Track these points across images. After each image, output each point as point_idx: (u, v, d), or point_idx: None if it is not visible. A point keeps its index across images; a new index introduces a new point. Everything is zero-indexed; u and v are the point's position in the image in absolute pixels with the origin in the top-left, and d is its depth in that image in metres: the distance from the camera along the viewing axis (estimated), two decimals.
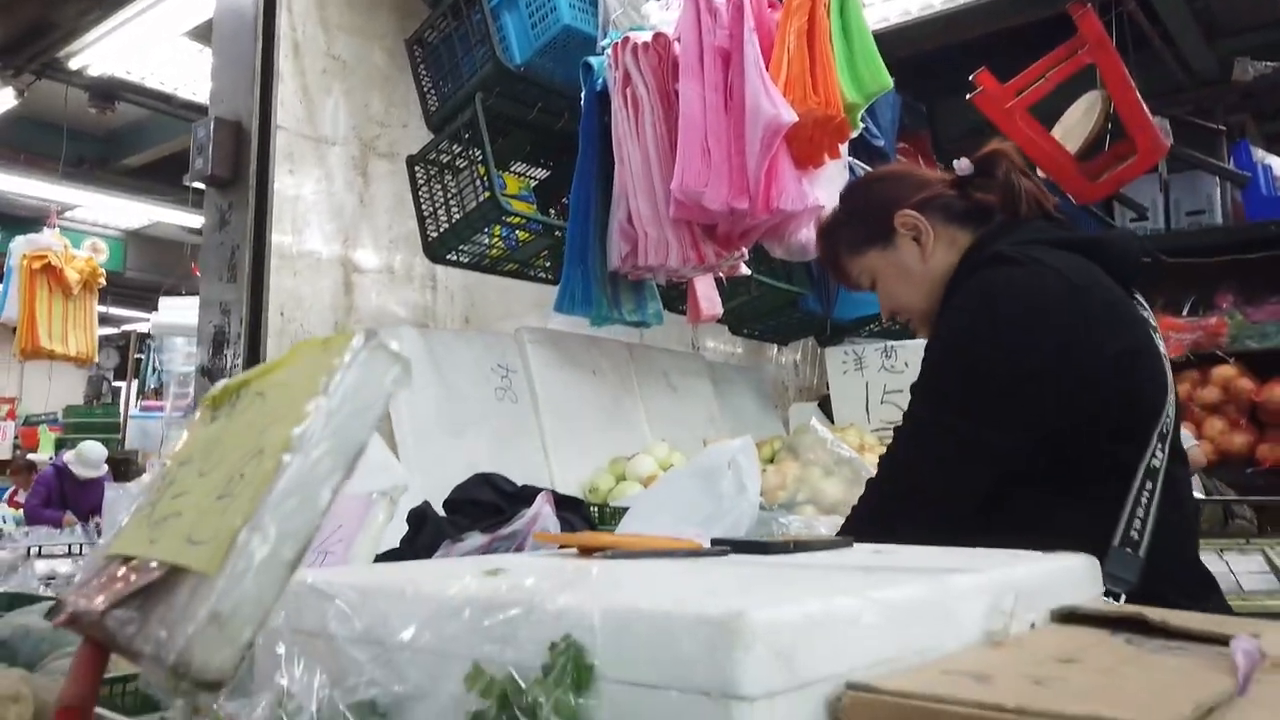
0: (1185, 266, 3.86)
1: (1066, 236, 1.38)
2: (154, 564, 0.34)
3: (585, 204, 2.14)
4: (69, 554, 3.72)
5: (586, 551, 0.95)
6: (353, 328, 2.43)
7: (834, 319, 3.29)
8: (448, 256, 2.38)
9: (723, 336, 3.67)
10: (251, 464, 0.35)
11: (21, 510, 6.43)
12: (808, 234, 1.97)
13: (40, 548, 3.71)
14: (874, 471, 2.55)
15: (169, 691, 0.32)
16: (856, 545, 1.06)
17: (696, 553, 0.92)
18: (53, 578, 2.62)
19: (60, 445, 8.73)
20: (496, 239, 2.39)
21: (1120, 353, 1.30)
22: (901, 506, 1.36)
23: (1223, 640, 0.70)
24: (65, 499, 6.44)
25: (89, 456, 6.35)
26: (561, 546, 1.02)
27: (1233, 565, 1.79)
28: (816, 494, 2.38)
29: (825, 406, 3.62)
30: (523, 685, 0.55)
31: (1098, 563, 0.94)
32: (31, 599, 1.65)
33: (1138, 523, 1.27)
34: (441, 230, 2.34)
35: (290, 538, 0.34)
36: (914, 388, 1.38)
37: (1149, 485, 1.30)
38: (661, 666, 0.52)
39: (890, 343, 3.35)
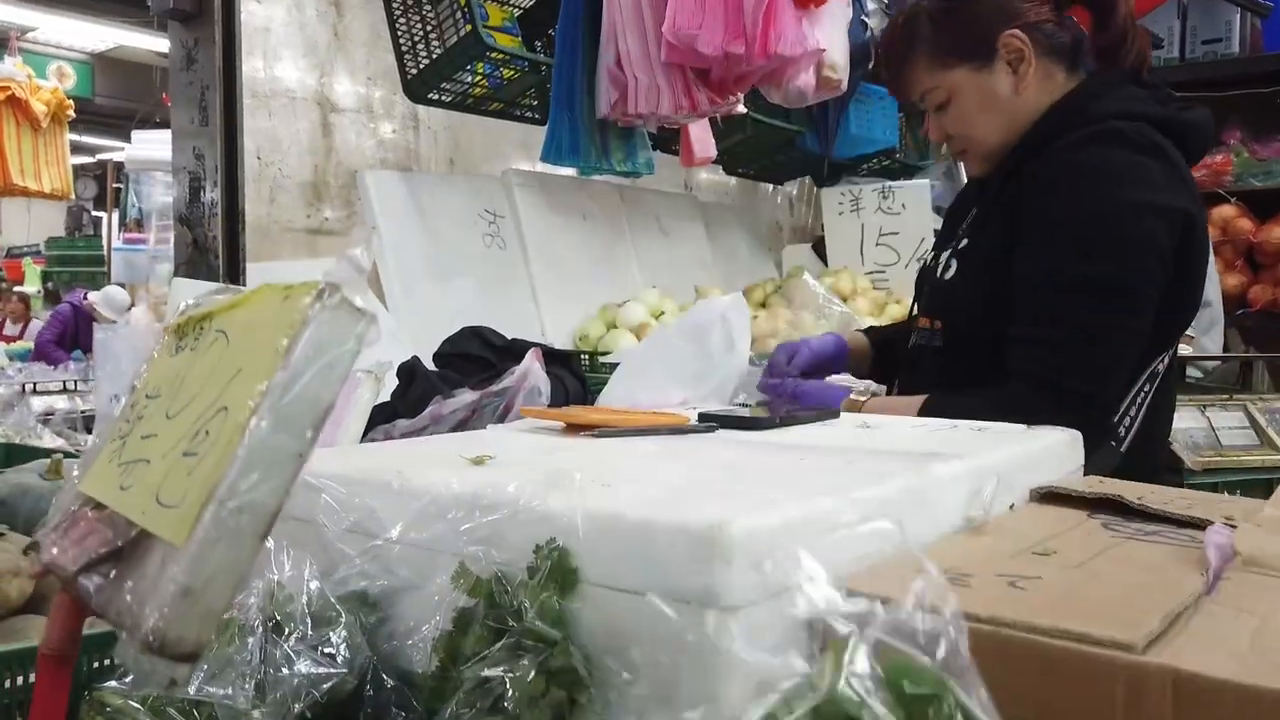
0: (1195, 101, 3.73)
1: (1165, 116, 1.29)
2: (124, 522, 0.34)
3: (572, 46, 2.02)
4: (64, 390, 3.77)
5: (573, 429, 0.95)
6: (332, 171, 2.35)
7: (833, 158, 3.20)
8: (429, 95, 2.27)
9: (716, 174, 3.58)
10: (216, 421, 0.33)
11: (14, 344, 6.47)
12: (807, 79, 1.87)
13: (35, 384, 3.75)
14: (862, 321, 2.57)
15: (142, 663, 0.32)
16: (844, 417, 1.07)
17: (683, 429, 0.93)
18: (51, 414, 2.64)
19: (46, 277, 8.66)
20: (480, 76, 2.27)
21: (1199, 264, 1.30)
22: (1073, 405, 1.18)
23: (1198, 525, 0.71)
24: (78, 338, 6.44)
25: (116, 300, 6.30)
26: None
27: (1214, 421, 1.82)
28: None
29: (819, 248, 3.58)
30: (508, 586, 0.56)
31: (1080, 436, 0.95)
32: (29, 452, 1.67)
33: (1128, 420, 1.29)
34: (421, 67, 2.21)
35: (257, 509, 0.33)
36: (1057, 273, 1.23)
37: (1147, 387, 1.32)
38: (644, 573, 0.53)
39: (888, 183, 3.28)
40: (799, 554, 0.54)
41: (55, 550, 0.34)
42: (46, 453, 1.61)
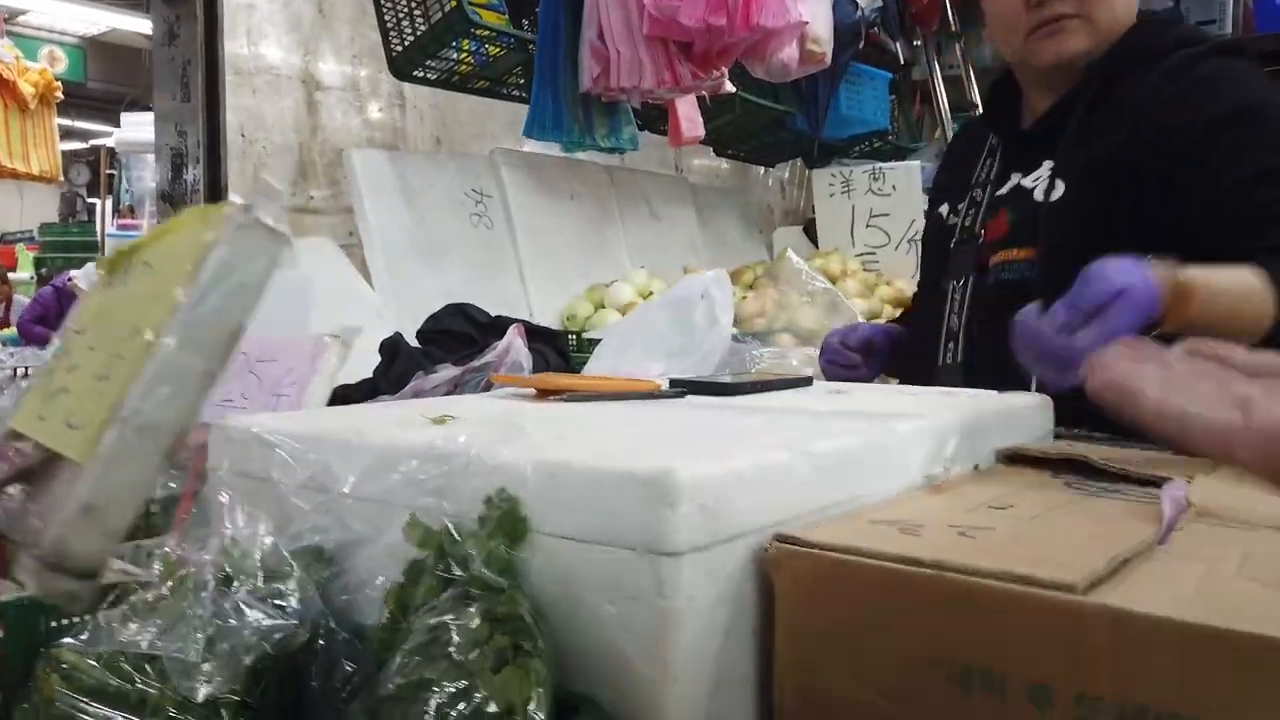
0: None
1: (1235, 43, 1.30)
2: (36, 447, 0.33)
3: (555, 20, 2.01)
4: None
5: (544, 394, 0.95)
6: (317, 150, 2.33)
7: (823, 139, 3.19)
8: (414, 73, 2.25)
9: (707, 157, 3.57)
10: (129, 344, 0.33)
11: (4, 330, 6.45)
12: (790, 52, 1.86)
13: (27, 369, 3.76)
14: (852, 303, 2.56)
15: (41, 580, 0.32)
16: (817, 384, 1.07)
17: (653, 395, 0.92)
18: None
19: (40, 264, 8.62)
20: (465, 54, 2.26)
21: None
22: None
23: (1159, 483, 0.71)
24: (62, 318, 6.45)
25: (93, 276, 6.31)
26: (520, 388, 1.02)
27: None
28: (793, 323, 2.39)
29: (810, 230, 3.58)
30: (457, 537, 0.55)
31: (1050, 401, 0.95)
32: None
33: None
34: (406, 44, 2.20)
35: (162, 428, 0.33)
36: (1272, 173, 1.16)
37: None
38: (593, 521, 0.53)
39: (879, 165, 3.27)
40: (748, 500, 0.54)
41: None
42: None
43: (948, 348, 1.36)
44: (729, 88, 2.38)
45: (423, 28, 2.15)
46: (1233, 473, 0.67)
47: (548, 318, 2.53)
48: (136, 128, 4.41)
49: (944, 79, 3.83)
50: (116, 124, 8.04)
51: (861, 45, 2.77)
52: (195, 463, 0.75)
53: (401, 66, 2.23)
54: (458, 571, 0.54)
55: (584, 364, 1.75)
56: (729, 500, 0.53)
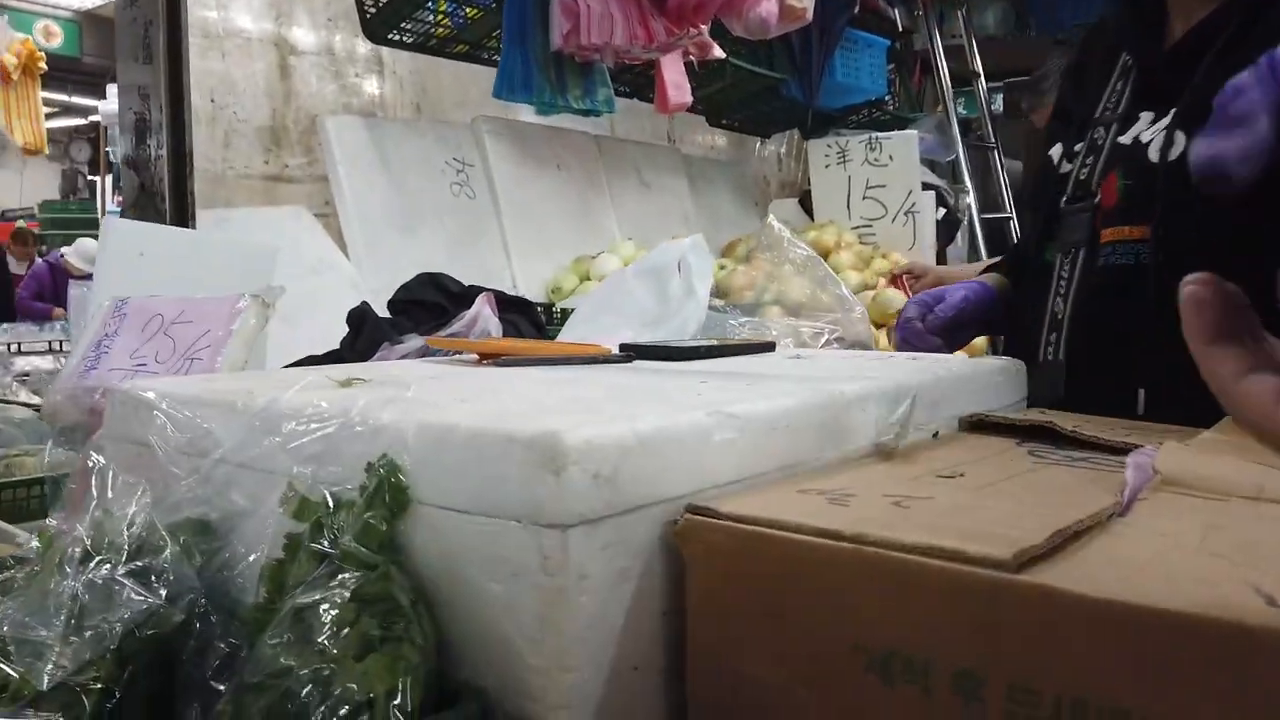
0: None
1: None
2: None
3: None
4: (50, 350, 3.76)
5: (484, 358, 0.89)
6: (291, 117, 2.27)
7: (818, 107, 3.10)
8: (389, 36, 2.18)
9: (701, 128, 3.49)
10: None
11: None
12: (769, 7, 1.78)
13: (20, 344, 3.75)
14: (848, 276, 2.49)
15: None
16: (780, 349, 1.01)
17: (594, 359, 0.86)
18: (28, 374, 2.62)
19: (40, 240, 8.60)
20: (442, 15, 2.19)
21: None
22: None
23: (1130, 451, 0.65)
24: (58, 294, 6.45)
25: (87, 250, 6.33)
26: (458, 353, 0.97)
27: None
28: (783, 294, 2.32)
29: (806, 203, 3.50)
30: (331, 507, 0.50)
31: (1024, 367, 0.89)
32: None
33: None
34: (380, 4, 2.13)
35: None
36: None
37: None
38: (477, 490, 0.47)
39: (875, 134, 3.18)
40: (655, 466, 0.48)
41: None
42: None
43: (1049, 340, 1.07)
44: (718, 53, 2.30)
45: None
46: (1217, 438, 0.61)
47: (532, 290, 2.47)
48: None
49: (945, 48, 3.73)
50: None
51: (856, 10, 2.68)
52: (91, 431, 0.70)
53: (376, 29, 2.16)
54: (330, 548, 0.49)
55: (555, 333, 1.69)
56: (631, 467, 0.47)
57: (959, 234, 3.41)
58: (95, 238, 7.97)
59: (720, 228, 3.16)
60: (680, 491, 0.50)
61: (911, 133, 3.16)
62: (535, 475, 0.44)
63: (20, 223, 9.63)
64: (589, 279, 2.50)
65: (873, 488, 0.53)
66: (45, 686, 0.50)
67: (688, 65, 2.36)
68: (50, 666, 0.52)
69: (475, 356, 0.92)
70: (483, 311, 1.58)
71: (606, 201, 2.85)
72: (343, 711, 0.43)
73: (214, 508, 0.57)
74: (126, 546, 0.56)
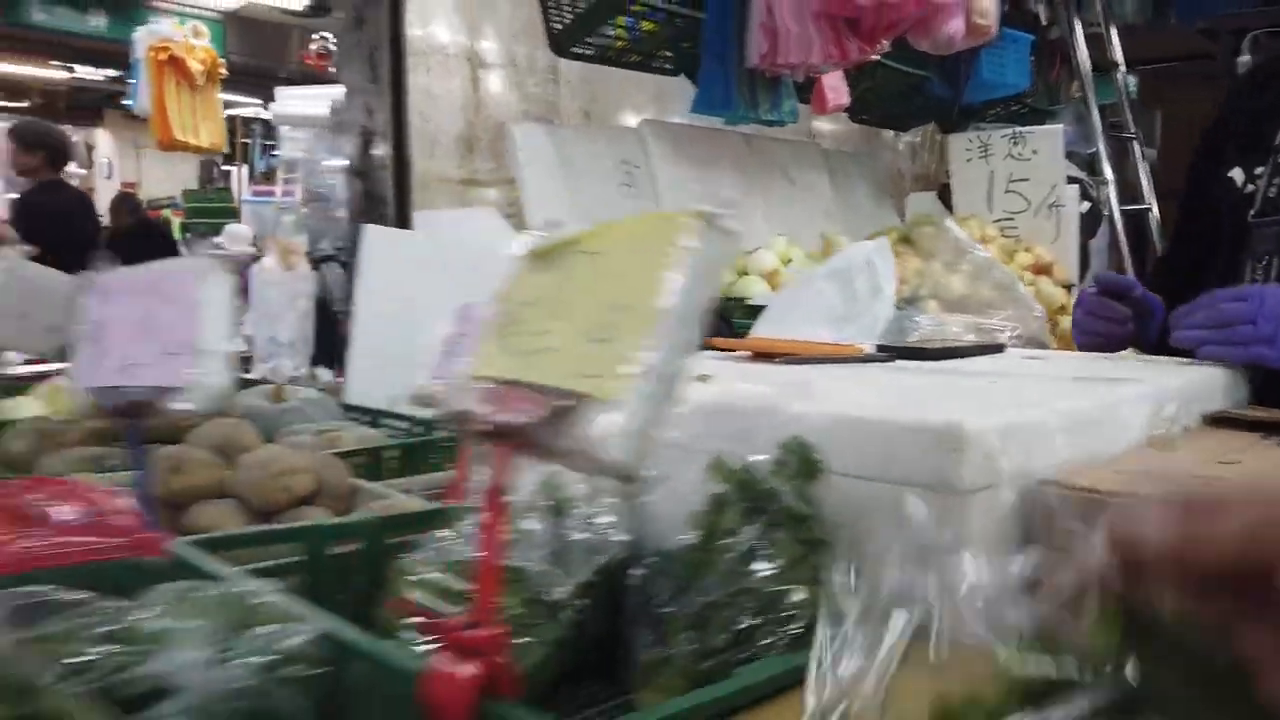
0: None
1: None
2: (543, 390, 0.45)
3: None
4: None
5: (760, 356, 1.06)
6: (481, 125, 2.48)
7: (963, 103, 3.16)
8: (573, 49, 2.37)
9: (839, 121, 3.58)
10: (620, 316, 0.44)
11: None
12: (957, 25, 1.88)
13: None
14: (1002, 268, 2.56)
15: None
16: (1009, 351, 1.14)
17: (865, 358, 1.02)
18: None
19: (185, 229, 9.22)
20: (621, 29, 2.36)
21: None
22: None
23: None
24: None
25: (238, 234, 6.99)
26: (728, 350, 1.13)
27: None
28: (939, 289, 2.42)
29: (943, 196, 3.56)
30: (756, 475, 0.67)
31: (1242, 370, 1.00)
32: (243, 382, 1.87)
33: None
34: (566, 21, 2.31)
35: (670, 379, 0.44)
36: None
37: None
38: (883, 464, 0.63)
39: (1019, 128, 3.23)
40: (1017, 449, 0.63)
41: (500, 414, 0.46)
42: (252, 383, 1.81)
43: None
44: (874, 55, 2.41)
45: (582, 6, 2.26)
46: None
47: None
48: (292, 101, 4.71)
49: (1085, 36, 3.72)
50: (254, 96, 8.50)
51: (1007, 8, 2.74)
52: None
53: (562, 42, 2.35)
54: (762, 503, 0.65)
55: (741, 328, 1.84)
56: (1004, 448, 0.62)
57: (1100, 227, 3.42)
58: (237, 224, 8.53)
59: (860, 221, 3.26)
60: (1031, 469, 0.65)
61: (1057, 126, 3.19)
62: (945, 454, 0.60)
63: (165, 212, 10.33)
64: (746, 273, 2.65)
65: (1177, 470, 0.67)
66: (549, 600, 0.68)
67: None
68: (544, 589, 0.70)
69: (746, 354, 1.09)
70: None
71: (756, 197, 2.99)
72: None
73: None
74: (576, 502, 0.74)
